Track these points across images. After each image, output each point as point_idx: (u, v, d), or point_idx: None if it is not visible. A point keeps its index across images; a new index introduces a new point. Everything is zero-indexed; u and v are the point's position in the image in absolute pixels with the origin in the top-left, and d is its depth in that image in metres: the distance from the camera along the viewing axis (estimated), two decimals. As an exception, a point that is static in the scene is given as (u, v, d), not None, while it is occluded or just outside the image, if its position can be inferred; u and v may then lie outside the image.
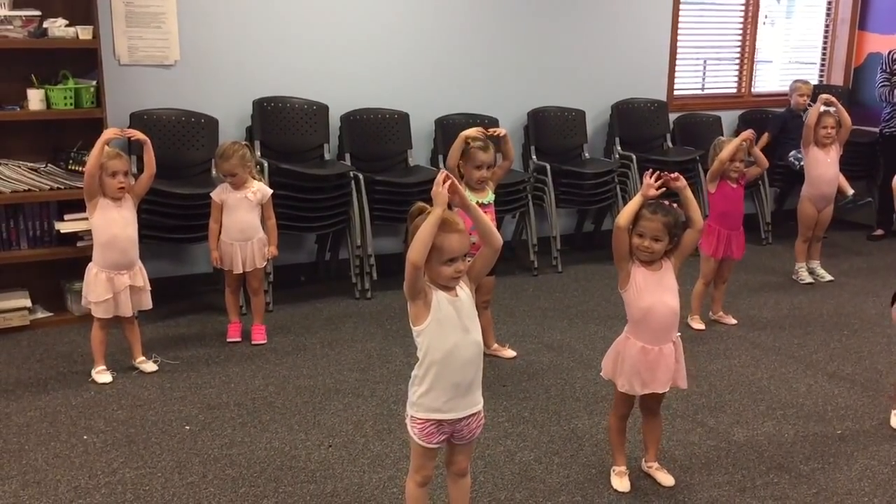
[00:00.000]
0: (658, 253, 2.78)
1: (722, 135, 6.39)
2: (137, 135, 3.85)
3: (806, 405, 3.58)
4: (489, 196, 3.85)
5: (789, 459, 3.11)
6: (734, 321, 4.56)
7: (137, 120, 4.61)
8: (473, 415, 2.37)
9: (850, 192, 5.54)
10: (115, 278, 3.68)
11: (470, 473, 2.52)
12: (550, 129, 5.79)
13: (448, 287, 2.28)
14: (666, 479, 2.94)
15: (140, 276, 3.77)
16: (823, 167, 5.20)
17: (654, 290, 2.78)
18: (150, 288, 3.82)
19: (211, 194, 4.11)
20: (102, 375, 3.72)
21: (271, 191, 4.19)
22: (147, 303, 3.83)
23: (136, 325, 3.87)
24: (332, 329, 4.43)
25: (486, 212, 3.81)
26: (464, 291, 2.32)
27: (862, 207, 6.13)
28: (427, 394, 2.30)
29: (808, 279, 5.34)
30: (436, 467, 2.48)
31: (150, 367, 3.85)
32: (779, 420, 3.43)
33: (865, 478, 2.98)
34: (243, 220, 4.08)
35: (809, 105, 6.15)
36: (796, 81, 6.34)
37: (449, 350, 2.27)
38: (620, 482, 2.89)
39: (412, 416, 2.35)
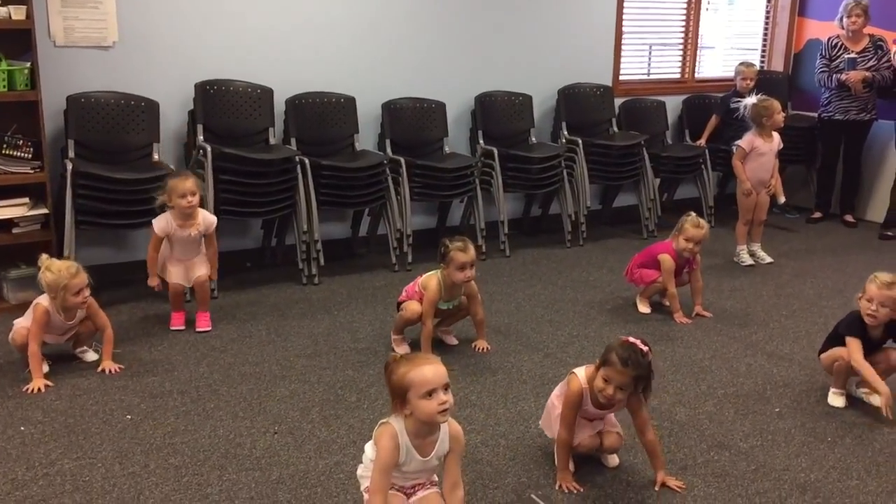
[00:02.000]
0: (620, 403, 2.76)
1: (666, 120, 6.50)
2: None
3: (746, 384, 3.66)
4: (458, 299, 3.89)
5: (729, 437, 3.18)
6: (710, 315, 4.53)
7: (74, 103, 4.49)
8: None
9: (782, 199, 5.65)
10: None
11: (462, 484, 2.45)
12: (498, 114, 5.79)
13: (433, 430, 2.28)
14: (612, 460, 2.98)
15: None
16: (765, 156, 5.37)
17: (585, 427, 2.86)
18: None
19: (154, 227, 4.01)
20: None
21: (215, 219, 4.15)
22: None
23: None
24: (279, 315, 4.39)
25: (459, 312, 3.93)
26: (443, 447, 2.33)
27: (789, 220, 6.28)
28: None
29: (749, 261, 5.45)
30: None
31: (90, 356, 3.77)
32: (720, 399, 3.50)
33: (803, 454, 3.06)
34: (187, 249, 4.10)
35: (750, 93, 6.30)
36: (741, 65, 6.44)
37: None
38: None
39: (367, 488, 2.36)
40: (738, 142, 5.42)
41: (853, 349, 3.36)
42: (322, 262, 4.92)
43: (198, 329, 4.13)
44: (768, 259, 5.50)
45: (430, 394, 2.20)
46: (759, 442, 3.14)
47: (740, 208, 5.48)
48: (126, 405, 3.34)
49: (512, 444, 3.10)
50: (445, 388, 2.23)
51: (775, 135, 5.39)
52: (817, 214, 6.71)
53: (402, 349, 3.84)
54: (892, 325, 3.39)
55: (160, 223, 4.02)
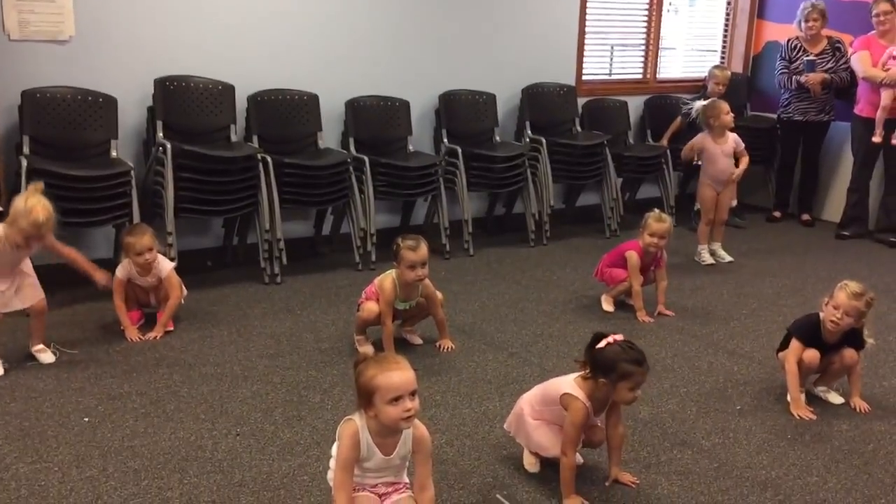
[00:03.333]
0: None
1: (628, 120, 6.56)
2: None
3: (707, 382, 3.69)
4: (415, 299, 3.86)
5: (692, 435, 3.20)
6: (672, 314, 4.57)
7: (30, 99, 4.39)
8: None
9: (734, 202, 5.74)
10: None
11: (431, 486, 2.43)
12: (461, 113, 5.78)
13: (396, 431, 2.26)
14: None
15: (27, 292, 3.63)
16: (718, 158, 5.43)
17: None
18: (36, 280, 3.67)
19: (117, 274, 3.97)
20: (-7, 368, 3.53)
21: (172, 264, 4.11)
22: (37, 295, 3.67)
23: (43, 316, 3.71)
24: (241, 315, 4.33)
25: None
26: (405, 447, 2.31)
27: (738, 225, 6.34)
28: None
29: (710, 260, 5.51)
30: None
31: (47, 357, 3.68)
32: (682, 398, 3.53)
33: (763, 451, 3.10)
34: (148, 291, 4.13)
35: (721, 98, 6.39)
36: (715, 68, 6.45)
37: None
38: (531, 464, 2.93)
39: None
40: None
41: (793, 350, 3.40)
42: (285, 261, 4.87)
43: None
44: (728, 258, 5.57)
45: (396, 400, 2.18)
46: (721, 440, 3.17)
47: (702, 208, 5.54)
48: (83, 407, 3.27)
49: (477, 444, 3.09)
50: (412, 394, 2.21)
51: (730, 135, 5.44)
52: (776, 214, 6.81)
53: (365, 349, 3.81)
54: (850, 333, 3.41)
55: (121, 271, 3.99)
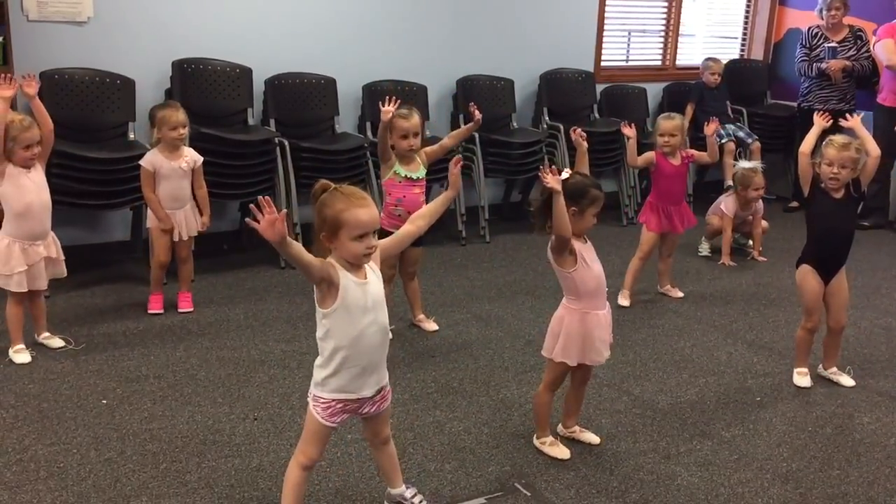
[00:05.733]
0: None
1: (647, 107, 6.49)
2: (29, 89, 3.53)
3: (727, 373, 3.66)
4: (421, 171, 3.81)
5: (711, 426, 3.18)
6: (681, 294, 4.59)
7: (48, 80, 4.37)
8: (379, 391, 2.35)
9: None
10: (29, 249, 3.46)
11: (392, 439, 2.50)
12: (479, 98, 5.68)
13: (357, 266, 2.21)
14: (592, 437, 3.00)
15: (54, 246, 3.58)
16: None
17: (594, 259, 2.82)
18: (63, 257, 3.64)
19: (141, 163, 3.88)
20: (20, 355, 3.49)
21: (202, 158, 4.03)
22: (62, 271, 3.65)
23: (43, 299, 3.68)
24: (257, 299, 4.33)
25: (417, 186, 3.80)
26: (373, 273, 2.26)
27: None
28: (333, 376, 2.25)
29: (706, 253, 5.42)
30: (360, 440, 2.43)
31: (56, 342, 3.65)
32: (701, 388, 3.51)
33: (784, 443, 3.07)
34: (176, 187, 3.93)
35: (717, 86, 6.40)
36: (707, 60, 6.49)
37: (356, 336, 2.23)
38: (560, 450, 2.92)
39: (316, 396, 2.29)
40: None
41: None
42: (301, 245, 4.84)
43: (180, 310, 4.07)
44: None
45: (361, 237, 2.16)
46: (741, 431, 3.15)
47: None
48: (101, 389, 3.27)
49: (495, 431, 3.08)
50: (375, 233, 2.20)
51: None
52: (795, 204, 6.73)
53: None
54: (854, 184, 3.39)
55: (147, 157, 3.88)
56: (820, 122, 3.46)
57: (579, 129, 3.20)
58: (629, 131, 4.37)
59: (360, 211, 2.15)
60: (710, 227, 5.44)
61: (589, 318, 2.78)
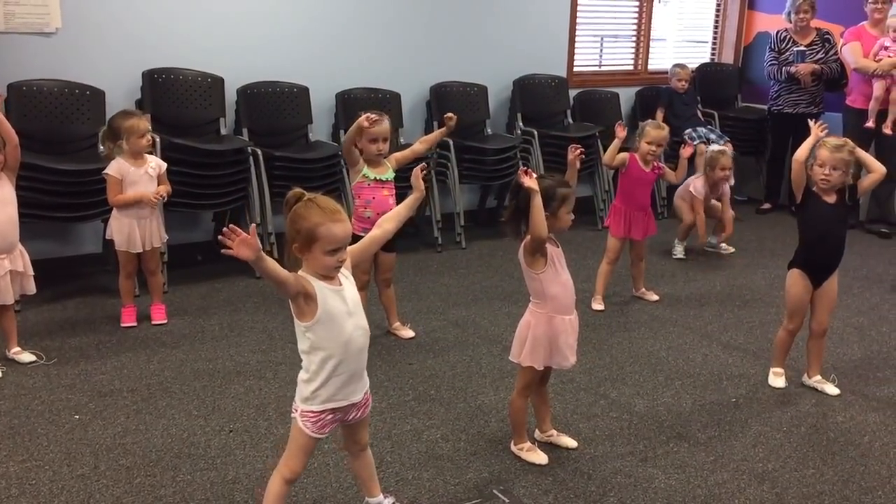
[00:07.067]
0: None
1: (620, 111, 6.53)
2: None
3: (702, 375, 3.68)
4: (389, 173, 3.80)
5: (688, 428, 3.19)
6: (656, 297, 4.60)
7: (16, 91, 4.32)
8: (364, 394, 2.36)
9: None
10: None
11: (369, 446, 2.50)
12: (453, 105, 5.70)
13: (329, 277, 2.21)
14: (569, 441, 3.01)
15: (20, 260, 3.52)
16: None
17: (564, 267, 2.84)
18: (32, 272, 3.59)
19: (108, 172, 3.83)
20: (-11, 369, 3.45)
21: (165, 163, 4.00)
22: (31, 287, 3.60)
23: (13, 313, 3.62)
24: (232, 310, 4.30)
25: (386, 188, 3.79)
26: (346, 279, 2.27)
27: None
28: (323, 387, 2.24)
29: (681, 255, 5.46)
30: (337, 450, 2.42)
31: (27, 357, 3.60)
32: (677, 390, 3.52)
33: (759, 444, 3.09)
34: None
35: (686, 91, 6.46)
36: (675, 66, 6.54)
37: (345, 341, 2.23)
38: (537, 455, 2.92)
39: (304, 411, 2.27)
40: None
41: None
42: (276, 254, 4.82)
43: (154, 322, 4.03)
44: (730, 249, 5.61)
45: (334, 251, 2.16)
46: (717, 432, 3.16)
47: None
48: (73, 404, 3.23)
49: (472, 438, 3.07)
50: (346, 247, 2.21)
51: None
52: (767, 206, 6.81)
53: None
54: (850, 192, 3.39)
55: (113, 166, 3.84)
56: (816, 131, 3.42)
57: (580, 149, 3.13)
58: (622, 132, 4.39)
59: (336, 226, 2.16)
60: (683, 225, 5.48)
61: (555, 321, 2.78)
